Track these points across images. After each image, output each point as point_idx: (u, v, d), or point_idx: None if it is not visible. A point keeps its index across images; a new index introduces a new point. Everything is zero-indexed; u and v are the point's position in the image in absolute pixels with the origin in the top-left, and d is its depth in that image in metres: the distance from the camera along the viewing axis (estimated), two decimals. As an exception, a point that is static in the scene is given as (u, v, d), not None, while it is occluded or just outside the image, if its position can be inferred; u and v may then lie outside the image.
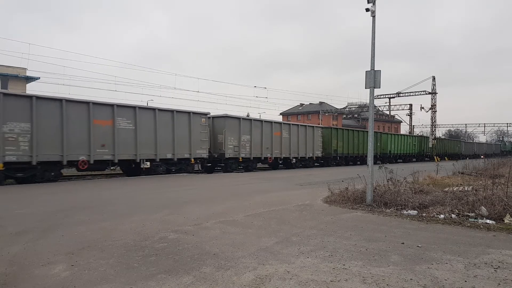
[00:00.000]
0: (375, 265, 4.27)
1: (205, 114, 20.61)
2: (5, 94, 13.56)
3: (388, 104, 57.37)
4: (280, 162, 25.88)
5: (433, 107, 50.63)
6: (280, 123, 26.19)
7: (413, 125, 58.91)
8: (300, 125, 28.10)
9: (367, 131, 39.67)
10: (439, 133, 74.42)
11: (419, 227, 6.40)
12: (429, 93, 50.21)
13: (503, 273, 4.02)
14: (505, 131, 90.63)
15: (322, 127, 31.24)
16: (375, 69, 8.55)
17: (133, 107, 17.31)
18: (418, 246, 5.11)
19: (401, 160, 41.79)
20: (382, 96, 54.58)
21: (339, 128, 33.01)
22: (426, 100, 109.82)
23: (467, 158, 42.96)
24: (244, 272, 4.03)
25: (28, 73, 34.65)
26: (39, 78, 35.63)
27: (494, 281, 3.79)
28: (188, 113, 19.56)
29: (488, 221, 6.64)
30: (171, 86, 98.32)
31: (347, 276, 3.90)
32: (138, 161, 17.27)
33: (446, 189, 10.58)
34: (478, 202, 7.38)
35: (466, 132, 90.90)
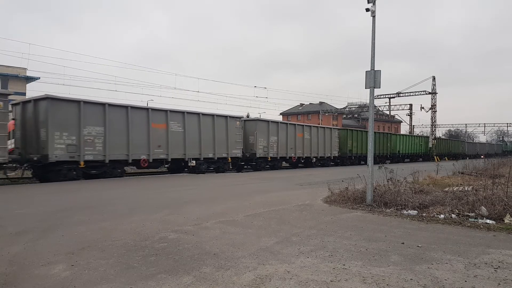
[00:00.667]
0: (375, 265, 4.27)
1: (239, 117, 22.95)
2: (85, 102, 15.56)
3: (388, 104, 57.48)
4: (302, 161, 27.65)
5: (433, 107, 50.64)
6: (302, 125, 28.47)
7: (413, 125, 59.06)
8: (320, 126, 30.38)
9: (378, 132, 40.61)
10: (439, 133, 74.80)
11: (419, 227, 6.39)
12: (429, 93, 50.21)
13: (503, 273, 4.02)
14: (505, 131, 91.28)
15: (338, 129, 33.05)
16: (375, 69, 8.54)
17: (182, 112, 19.31)
18: (418, 246, 5.10)
19: (408, 160, 43.32)
20: (382, 96, 54.61)
21: (354, 130, 34.67)
22: (426, 100, 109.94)
23: (467, 158, 43.31)
24: (244, 272, 4.03)
25: (28, 73, 34.73)
26: (39, 78, 35.73)
27: (494, 281, 3.79)
28: (226, 117, 21.74)
29: (488, 221, 6.64)
30: (171, 86, 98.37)
31: (347, 276, 3.90)
32: (186, 160, 19.35)
33: (446, 189, 10.58)
34: (478, 202, 7.38)
35: (466, 132, 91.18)
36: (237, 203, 9.01)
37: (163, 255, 4.65)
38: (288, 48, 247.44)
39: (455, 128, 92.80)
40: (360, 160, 33.38)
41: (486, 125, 74.03)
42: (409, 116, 56.48)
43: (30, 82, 36.86)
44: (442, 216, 7.11)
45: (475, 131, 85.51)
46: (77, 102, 15.22)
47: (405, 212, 7.59)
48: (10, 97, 14.60)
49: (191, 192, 11.69)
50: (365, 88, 8.65)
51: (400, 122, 76.32)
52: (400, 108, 56.72)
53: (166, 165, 19.49)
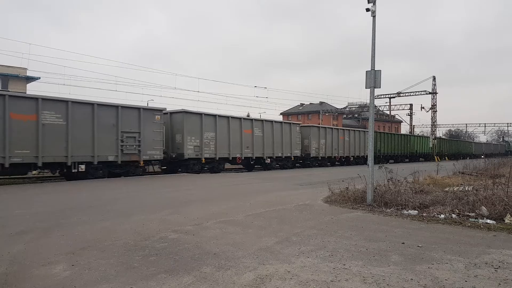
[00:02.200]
0: (376, 265, 4.27)
1: (298, 123, 27.85)
2: (205, 114, 20.26)
3: (388, 104, 57.50)
4: (343, 159, 31.65)
5: (433, 107, 50.65)
6: (343, 129, 32.95)
7: (414, 125, 59.06)
8: (356, 130, 34.68)
9: (400, 134, 43.67)
10: (440, 133, 75.20)
11: (420, 227, 6.39)
12: (430, 93, 50.19)
13: (503, 273, 4.01)
14: (506, 131, 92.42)
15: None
16: (375, 69, 8.54)
17: (261, 120, 24.20)
18: (418, 246, 5.10)
19: (423, 159, 46.79)
20: (382, 96, 54.60)
21: (382, 132, 40.01)
22: (426, 100, 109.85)
23: (468, 158, 43.84)
24: (245, 272, 4.03)
25: (29, 73, 34.69)
26: (39, 78, 35.69)
27: (494, 281, 3.79)
28: (289, 123, 26.60)
29: (488, 221, 6.64)
30: (172, 86, 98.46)
31: (348, 276, 3.90)
32: (264, 158, 23.74)
33: (447, 189, 10.57)
34: (478, 202, 7.38)
35: (466, 132, 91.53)
36: (238, 203, 9.00)
37: (163, 255, 4.65)
38: (288, 47, 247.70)
39: (455, 128, 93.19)
40: (388, 158, 38.44)
41: (486, 125, 74.44)
42: (409, 116, 56.51)
43: (30, 82, 36.83)
44: (442, 216, 7.10)
45: (476, 131, 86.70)
46: (199, 114, 19.99)
47: (405, 212, 7.59)
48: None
49: (191, 192, 11.67)
50: (366, 88, 8.65)
51: (400, 122, 76.19)
52: (401, 108, 56.81)
53: (251, 162, 23.37)
